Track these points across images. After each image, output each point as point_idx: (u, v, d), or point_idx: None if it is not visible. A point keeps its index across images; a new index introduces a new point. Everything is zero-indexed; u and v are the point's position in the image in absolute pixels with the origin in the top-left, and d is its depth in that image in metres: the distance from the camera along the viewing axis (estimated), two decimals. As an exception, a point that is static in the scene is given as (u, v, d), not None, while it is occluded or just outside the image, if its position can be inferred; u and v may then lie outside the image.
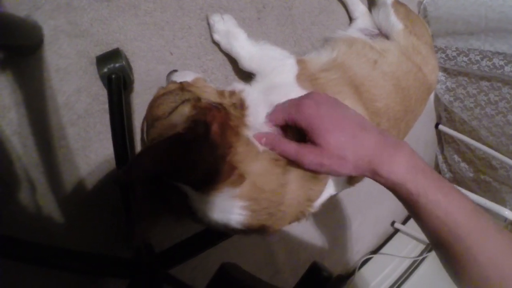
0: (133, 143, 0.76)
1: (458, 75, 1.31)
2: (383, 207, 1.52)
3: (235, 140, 0.48)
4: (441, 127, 1.53)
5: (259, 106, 0.54)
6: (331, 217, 1.32)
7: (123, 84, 0.69)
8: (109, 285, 0.80)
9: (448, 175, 1.68)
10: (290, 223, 0.57)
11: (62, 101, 0.69)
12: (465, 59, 1.18)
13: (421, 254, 1.52)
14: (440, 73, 1.35)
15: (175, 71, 0.67)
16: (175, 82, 0.59)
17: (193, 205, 0.48)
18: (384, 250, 1.55)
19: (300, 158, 0.48)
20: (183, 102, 0.50)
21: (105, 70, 0.68)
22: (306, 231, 1.23)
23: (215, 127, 0.46)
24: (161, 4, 0.75)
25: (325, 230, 1.30)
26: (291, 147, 0.49)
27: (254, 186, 0.48)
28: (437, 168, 1.74)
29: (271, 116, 0.53)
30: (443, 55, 1.25)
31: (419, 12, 1.24)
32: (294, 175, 0.51)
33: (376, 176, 0.47)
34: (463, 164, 1.57)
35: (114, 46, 0.71)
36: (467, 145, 1.46)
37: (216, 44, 0.80)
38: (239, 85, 0.61)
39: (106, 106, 0.71)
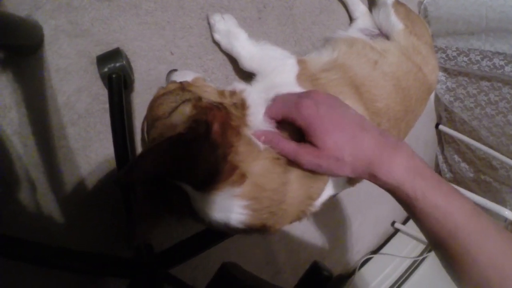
0: (134, 143, 0.76)
1: (458, 75, 1.31)
2: (384, 207, 1.52)
3: (236, 139, 0.48)
4: (441, 127, 1.53)
5: (260, 106, 0.54)
6: (332, 217, 1.32)
7: (124, 83, 0.69)
8: (109, 285, 0.80)
9: (448, 175, 1.68)
10: (291, 222, 0.57)
11: (63, 100, 0.69)
12: (465, 59, 1.18)
13: (422, 254, 1.52)
14: (441, 73, 1.35)
15: (175, 70, 0.67)
16: (175, 82, 0.59)
17: (194, 205, 0.48)
18: (385, 250, 1.55)
19: (299, 158, 0.48)
20: (183, 101, 0.50)
21: (106, 69, 0.68)
22: (307, 231, 1.23)
23: (216, 127, 0.46)
24: (162, 3, 0.75)
25: (325, 230, 1.30)
26: (290, 147, 0.49)
27: (255, 185, 0.48)
28: (437, 168, 1.74)
29: (269, 110, 0.53)
30: (444, 55, 1.25)
31: (419, 12, 1.24)
32: (295, 173, 0.51)
33: (374, 179, 0.47)
34: (463, 164, 1.57)
35: (115, 45, 0.71)
36: (467, 145, 1.46)
37: (217, 43, 0.80)
38: (239, 85, 0.61)
39: (107, 105, 0.71)
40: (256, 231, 0.52)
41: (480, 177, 1.50)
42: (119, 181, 0.48)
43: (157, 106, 0.52)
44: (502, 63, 1.08)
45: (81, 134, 0.72)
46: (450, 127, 1.50)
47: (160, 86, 0.59)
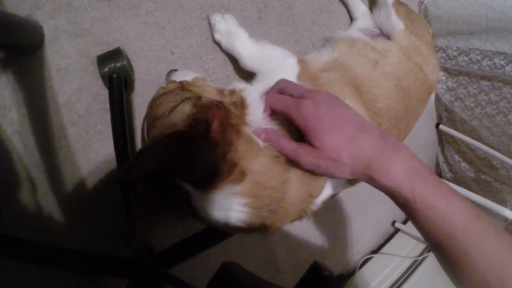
0: (134, 142, 0.76)
1: (458, 74, 1.31)
2: (384, 206, 1.52)
3: (235, 138, 0.48)
4: (441, 127, 1.53)
5: (260, 105, 0.54)
6: (332, 216, 1.32)
7: (124, 83, 0.69)
8: (109, 284, 0.80)
9: (448, 175, 1.68)
10: (292, 221, 0.57)
11: (63, 100, 0.69)
12: (465, 58, 1.18)
13: (422, 254, 1.52)
14: (441, 73, 1.35)
15: (175, 70, 0.67)
16: (174, 82, 0.59)
17: (194, 204, 0.48)
18: (385, 249, 1.55)
19: (298, 157, 0.48)
20: (183, 100, 0.50)
21: (106, 69, 0.68)
22: (307, 231, 1.23)
23: (215, 125, 0.46)
24: (162, 3, 0.75)
25: (325, 230, 1.30)
26: (290, 146, 0.49)
27: (255, 183, 0.48)
28: (437, 168, 1.74)
29: (271, 99, 0.53)
30: (444, 55, 1.25)
31: (419, 12, 1.24)
32: (296, 172, 0.51)
33: (371, 181, 0.47)
34: (463, 164, 1.56)
35: (115, 45, 0.71)
36: (467, 145, 1.46)
37: (217, 43, 0.80)
38: (239, 84, 0.61)
39: (107, 105, 0.71)
40: (256, 229, 0.51)
41: (481, 177, 1.50)
42: (120, 179, 0.48)
43: (156, 105, 0.52)
44: (502, 62, 1.08)
45: (81, 134, 0.72)
46: (450, 127, 1.50)
47: (160, 86, 0.59)
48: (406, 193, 0.43)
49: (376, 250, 1.57)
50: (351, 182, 0.65)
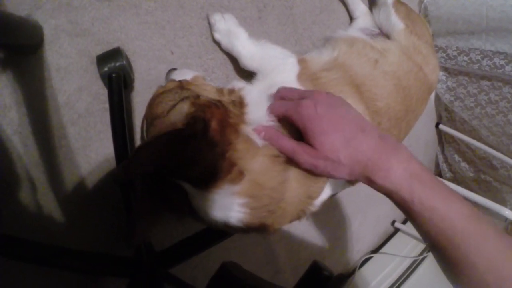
0: (134, 142, 0.76)
1: (458, 74, 1.31)
2: (384, 206, 1.52)
3: (234, 137, 0.48)
4: (441, 126, 1.53)
5: (259, 104, 0.54)
6: (332, 216, 1.32)
7: (124, 83, 0.69)
8: (109, 284, 0.80)
9: (448, 175, 1.68)
10: (290, 221, 0.57)
11: (63, 100, 0.69)
12: (465, 58, 1.18)
13: (422, 253, 1.52)
14: (441, 73, 1.35)
15: (174, 69, 0.67)
16: (174, 81, 0.59)
17: (193, 203, 0.48)
18: (385, 249, 1.55)
19: (296, 156, 0.48)
20: (182, 99, 0.50)
21: (106, 69, 0.68)
22: (307, 231, 1.23)
23: (214, 124, 0.46)
24: (162, 3, 0.75)
25: (325, 230, 1.30)
26: (289, 144, 0.49)
27: (254, 183, 0.48)
28: (437, 168, 1.74)
29: (273, 106, 0.53)
30: (444, 55, 1.25)
31: (419, 12, 1.24)
32: (295, 172, 0.51)
33: (370, 182, 0.46)
34: (463, 164, 1.56)
35: (115, 45, 0.71)
36: (467, 145, 1.46)
37: (217, 43, 0.80)
38: (238, 83, 0.61)
39: (107, 105, 0.71)
40: (255, 229, 0.51)
41: (480, 176, 1.50)
42: (118, 176, 0.47)
43: (156, 104, 0.52)
44: (502, 62, 1.08)
45: (81, 134, 0.72)
46: (450, 127, 1.50)
47: (159, 85, 0.59)
48: (405, 195, 0.43)
49: (376, 250, 1.57)
50: (351, 181, 0.65)
